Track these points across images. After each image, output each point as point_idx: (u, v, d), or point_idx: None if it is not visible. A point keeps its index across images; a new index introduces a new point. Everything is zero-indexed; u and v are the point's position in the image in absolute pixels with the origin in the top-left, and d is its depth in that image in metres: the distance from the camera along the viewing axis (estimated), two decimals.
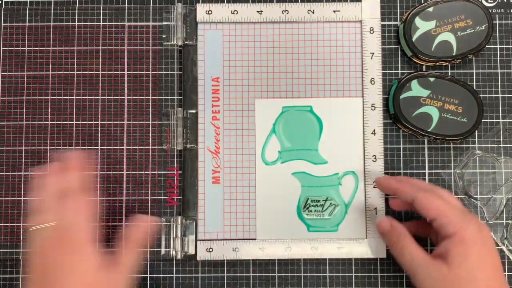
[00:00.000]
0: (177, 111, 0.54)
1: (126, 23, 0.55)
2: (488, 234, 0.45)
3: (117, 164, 0.54)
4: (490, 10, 0.55)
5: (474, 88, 0.54)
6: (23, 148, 0.54)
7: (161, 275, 0.53)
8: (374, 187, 0.53)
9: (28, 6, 0.55)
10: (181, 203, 0.53)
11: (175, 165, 0.54)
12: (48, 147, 0.54)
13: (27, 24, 0.55)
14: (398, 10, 0.56)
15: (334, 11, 0.55)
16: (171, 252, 0.52)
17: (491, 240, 0.45)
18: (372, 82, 0.54)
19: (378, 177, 0.52)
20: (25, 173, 0.54)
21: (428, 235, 0.51)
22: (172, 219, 0.53)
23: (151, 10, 0.56)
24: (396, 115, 0.53)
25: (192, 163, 0.53)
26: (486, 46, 0.54)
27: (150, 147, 0.54)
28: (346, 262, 0.53)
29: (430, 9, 0.53)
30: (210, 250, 0.52)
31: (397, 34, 0.55)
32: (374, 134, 0.53)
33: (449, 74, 0.54)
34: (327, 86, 0.54)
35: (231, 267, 0.53)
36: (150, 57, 0.55)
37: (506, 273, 0.53)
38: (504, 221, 0.53)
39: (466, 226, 0.44)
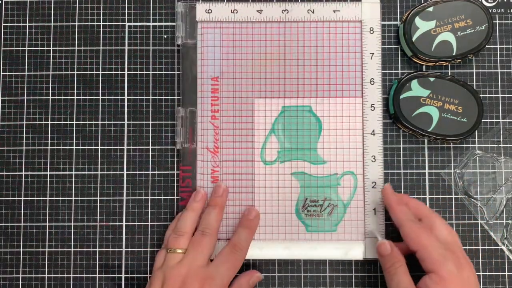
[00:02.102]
0: (176, 111, 0.54)
1: (126, 23, 0.56)
2: (469, 273, 0.46)
3: (117, 164, 0.54)
4: (490, 10, 0.55)
5: (474, 88, 0.54)
6: (23, 148, 0.54)
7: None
8: (373, 187, 0.53)
9: (28, 6, 0.56)
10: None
11: (175, 165, 0.54)
12: (48, 147, 0.54)
13: (27, 24, 0.55)
14: (398, 10, 0.56)
15: (334, 11, 0.55)
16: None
17: (471, 279, 0.45)
18: (372, 83, 0.54)
19: (386, 185, 0.52)
20: (25, 173, 0.54)
21: None
22: (171, 219, 0.53)
23: (151, 10, 0.56)
24: (396, 115, 0.53)
25: (191, 162, 0.53)
26: (486, 46, 0.54)
27: (150, 147, 0.54)
28: (345, 262, 0.53)
29: (430, 9, 0.53)
30: None
31: (397, 34, 0.55)
32: (374, 134, 0.53)
33: (449, 74, 0.54)
34: (326, 86, 0.54)
35: None
36: (150, 57, 0.55)
37: (506, 273, 0.53)
38: (504, 221, 0.53)
39: (445, 265, 0.45)
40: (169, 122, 0.54)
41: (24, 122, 0.55)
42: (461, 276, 0.45)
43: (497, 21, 0.55)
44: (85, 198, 0.54)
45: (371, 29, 0.54)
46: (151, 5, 0.56)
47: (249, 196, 0.53)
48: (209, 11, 0.54)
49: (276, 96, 0.54)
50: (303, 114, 0.54)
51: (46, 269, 0.53)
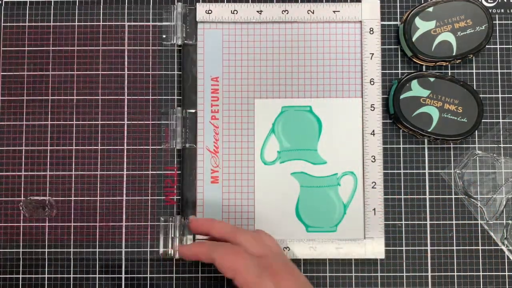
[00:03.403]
0: (176, 111, 0.54)
1: (126, 23, 0.56)
2: (289, 282, 0.44)
3: (117, 164, 0.54)
4: (490, 10, 0.55)
5: (474, 88, 0.54)
6: (23, 148, 0.54)
7: (161, 275, 0.53)
8: (373, 187, 0.53)
9: (28, 6, 0.56)
10: (180, 203, 0.54)
11: (175, 165, 0.54)
12: (48, 147, 0.54)
13: (27, 24, 0.55)
14: (398, 10, 0.56)
15: (334, 12, 0.55)
16: (169, 252, 0.52)
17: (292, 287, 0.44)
18: (372, 83, 0.54)
19: (192, 219, 0.50)
20: (25, 173, 0.54)
21: None
22: (170, 219, 0.53)
23: (151, 10, 0.56)
24: (396, 115, 0.53)
25: (191, 162, 0.54)
26: (486, 46, 0.54)
27: (150, 147, 0.54)
28: (346, 262, 0.53)
29: (430, 9, 0.53)
30: None
31: (397, 34, 0.55)
32: (373, 134, 0.53)
33: (449, 74, 0.54)
34: (326, 86, 0.54)
35: None
36: (150, 57, 0.55)
37: (506, 273, 0.53)
38: (504, 221, 0.53)
39: (262, 285, 0.42)
40: (169, 122, 0.54)
41: (24, 122, 0.54)
42: None
43: (497, 21, 0.55)
44: (85, 198, 0.54)
45: (371, 29, 0.54)
46: (151, 5, 0.56)
47: (249, 196, 0.53)
48: (209, 11, 0.54)
49: (276, 96, 0.54)
50: (303, 114, 0.54)
51: (46, 269, 0.53)
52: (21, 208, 0.54)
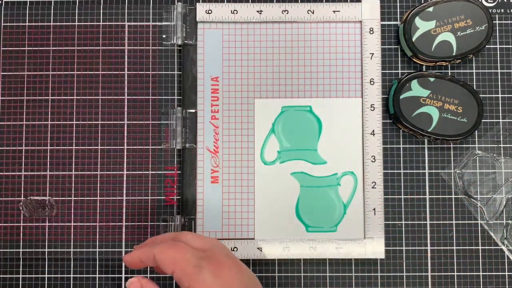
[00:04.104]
0: (176, 111, 0.54)
1: (126, 23, 0.56)
2: (231, 271, 0.41)
3: (117, 164, 0.54)
4: (490, 10, 0.55)
5: (474, 88, 0.54)
6: (23, 148, 0.54)
7: (161, 275, 0.53)
8: (373, 187, 0.53)
9: (28, 6, 0.56)
10: (180, 203, 0.54)
11: (175, 165, 0.54)
12: (48, 147, 0.54)
13: (27, 24, 0.55)
14: (398, 10, 0.56)
15: (334, 11, 0.55)
16: None
17: (234, 277, 0.41)
18: (372, 83, 0.54)
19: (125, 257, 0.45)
20: (25, 173, 0.54)
21: None
22: (170, 219, 0.53)
23: (151, 10, 0.56)
24: (396, 115, 0.53)
25: (191, 162, 0.54)
26: (486, 46, 0.54)
27: (150, 147, 0.54)
28: (345, 262, 0.53)
29: (430, 9, 0.53)
30: None
31: (397, 34, 0.55)
32: (373, 134, 0.53)
33: (449, 74, 0.54)
34: (326, 86, 0.54)
35: None
36: (150, 57, 0.55)
37: (506, 273, 0.53)
38: (504, 221, 0.53)
39: (198, 277, 0.39)
40: (169, 122, 0.54)
41: (24, 122, 0.54)
42: (220, 283, 0.40)
43: (497, 21, 0.55)
44: (85, 198, 0.54)
45: (371, 29, 0.54)
46: (151, 5, 0.56)
47: (249, 196, 0.53)
48: (209, 11, 0.54)
49: (276, 96, 0.54)
50: (303, 114, 0.54)
51: (46, 269, 0.53)
52: (21, 208, 0.54)
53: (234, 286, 0.40)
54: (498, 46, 0.55)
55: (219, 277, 0.40)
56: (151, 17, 0.55)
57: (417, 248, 0.53)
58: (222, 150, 0.54)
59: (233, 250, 0.52)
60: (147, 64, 0.55)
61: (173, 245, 0.42)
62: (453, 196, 0.54)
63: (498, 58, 0.55)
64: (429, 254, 0.53)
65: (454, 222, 0.53)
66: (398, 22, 0.55)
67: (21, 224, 0.54)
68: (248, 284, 0.42)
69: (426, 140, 0.54)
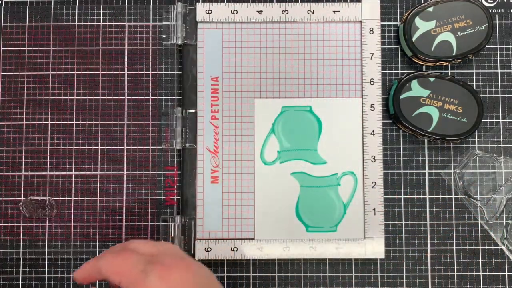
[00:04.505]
0: (176, 111, 0.54)
1: (126, 23, 0.56)
2: (181, 273, 0.39)
3: (117, 164, 0.54)
4: (490, 10, 0.55)
5: (474, 88, 0.54)
6: (23, 148, 0.54)
7: None
8: (373, 187, 0.53)
9: (28, 6, 0.56)
10: (180, 203, 0.54)
11: (175, 165, 0.54)
12: (48, 147, 0.54)
13: (27, 24, 0.55)
14: (398, 10, 0.56)
15: (334, 11, 0.55)
16: None
17: (185, 284, 0.38)
18: (372, 83, 0.54)
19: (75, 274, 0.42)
20: (25, 173, 0.54)
21: None
22: (170, 219, 0.53)
23: (151, 10, 0.56)
24: (396, 115, 0.53)
25: (191, 162, 0.54)
26: (486, 46, 0.54)
27: (150, 147, 0.54)
28: (345, 262, 0.53)
29: (430, 9, 0.53)
30: (209, 249, 0.52)
31: (397, 34, 0.55)
32: (373, 134, 0.53)
33: (449, 74, 0.54)
34: (326, 86, 0.54)
35: (231, 267, 0.53)
36: (150, 57, 0.55)
37: (506, 273, 0.53)
38: (504, 221, 0.53)
39: (145, 282, 0.37)
40: (169, 122, 0.54)
41: (24, 122, 0.54)
42: (168, 285, 0.38)
43: (497, 21, 0.55)
44: (85, 198, 0.54)
45: (371, 29, 0.54)
46: (151, 5, 0.56)
47: (249, 196, 0.53)
48: (209, 11, 0.54)
49: (276, 96, 0.54)
50: (303, 114, 0.54)
51: (46, 269, 0.53)
52: (21, 208, 0.54)
53: (184, 285, 0.38)
54: (498, 46, 0.55)
55: (167, 280, 0.38)
56: (151, 17, 0.55)
57: (417, 248, 0.53)
58: (222, 150, 0.54)
59: (233, 250, 0.52)
60: (147, 64, 0.55)
61: (118, 253, 0.40)
62: (453, 196, 0.54)
63: (498, 58, 0.55)
64: (429, 254, 0.53)
65: (454, 222, 0.53)
66: (398, 22, 0.55)
67: (21, 224, 0.54)
68: (202, 284, 0.40)
69: (426, 140, 0.54)
